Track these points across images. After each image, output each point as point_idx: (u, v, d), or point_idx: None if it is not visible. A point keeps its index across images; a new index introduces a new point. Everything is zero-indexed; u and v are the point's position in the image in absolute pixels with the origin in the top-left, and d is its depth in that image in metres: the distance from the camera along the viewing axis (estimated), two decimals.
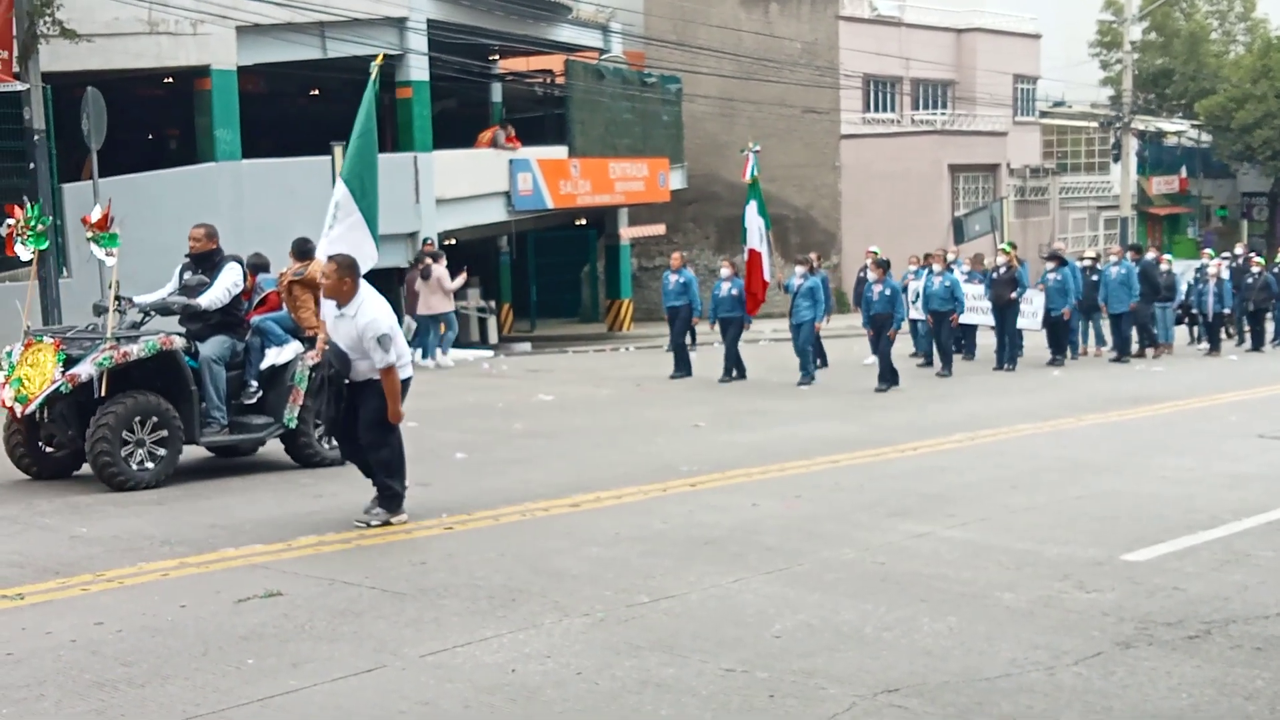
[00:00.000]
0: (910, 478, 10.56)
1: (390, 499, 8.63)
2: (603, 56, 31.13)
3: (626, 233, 32.42)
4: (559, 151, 28.55)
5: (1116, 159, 42.45)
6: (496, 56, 30.81)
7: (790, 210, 37.39)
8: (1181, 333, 24.91)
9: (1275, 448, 12.28)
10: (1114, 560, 7.73)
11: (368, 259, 9.84)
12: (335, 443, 9.77)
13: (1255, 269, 24.47)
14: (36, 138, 17.84)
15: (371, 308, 8.44)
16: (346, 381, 8.52)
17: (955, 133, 39.01)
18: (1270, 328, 25.08)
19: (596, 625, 6.39)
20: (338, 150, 21.23)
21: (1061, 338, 21.11)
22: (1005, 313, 20.07)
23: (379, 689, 5.50)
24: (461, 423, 13.86)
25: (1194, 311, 24.33)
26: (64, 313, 18.23)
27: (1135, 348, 22.20)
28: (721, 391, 17.24)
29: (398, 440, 8.68)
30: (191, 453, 10.93)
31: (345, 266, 8.54)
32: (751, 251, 18.61)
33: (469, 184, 26.17)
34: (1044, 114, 44.67)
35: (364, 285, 8.57)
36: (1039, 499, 9.64)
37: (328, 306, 8.67)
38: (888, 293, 17.43)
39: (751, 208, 18.96)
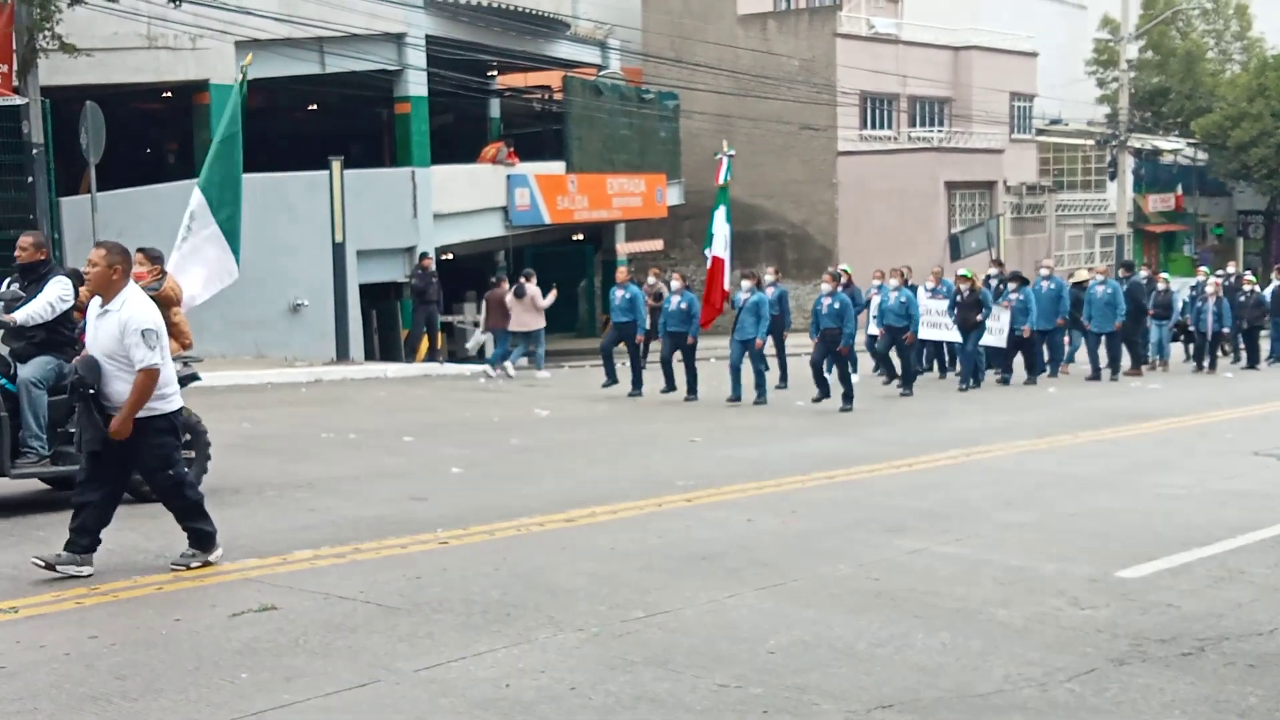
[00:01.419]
0: (905, 494, 10.56)
1: (202, 538, 7.82)
2: (601, 73, 31.26)
3: (623, 248, 32.47)
4: (557, 167, 28.64)
5: (1113, 177, 42.56)
6: (495, 72, 30.94)
7: (787, 226, 37.49)
8: (1178, 350, 24.94)
9: (1271, 465, 12.30)
10: (1108, 577, 7.73)
11: (225, 275, 9.45)
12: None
13: (1247, 287, 24.49)
14: (35, 151, 17.90)
15: (138, 303, 7.49)
16: (92, 392, 7.43)
17: (952, 150, 39.11)
18: (1266, 346, 25.13)
19: (591, 640, 6.39)
20: (336, 165, 21.32)
21: (1031, 356, 20.75)
22: (969, 336, 19.81)
23: (373, 704, 5.50)
24: (458, 437, 13.86)
25: (1190, 329, 24.25)
26: None
27: (1125, 366, 21.98)
28: (719, 408, 17.09)
29: (188, 481, 7.96)
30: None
31: (116, 253, 7.53)
32: (715, 259, 18.04)
33: (467, 199, 26.27)
34: (1040, 132, 44.79)
35: (133, 284, 7.66)
36: (1034, 515, 9.65)
37: (92, 305, 7.65)
38: (836, 306, 16.72)
39: (720, 214, 18.43)
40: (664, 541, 8.62)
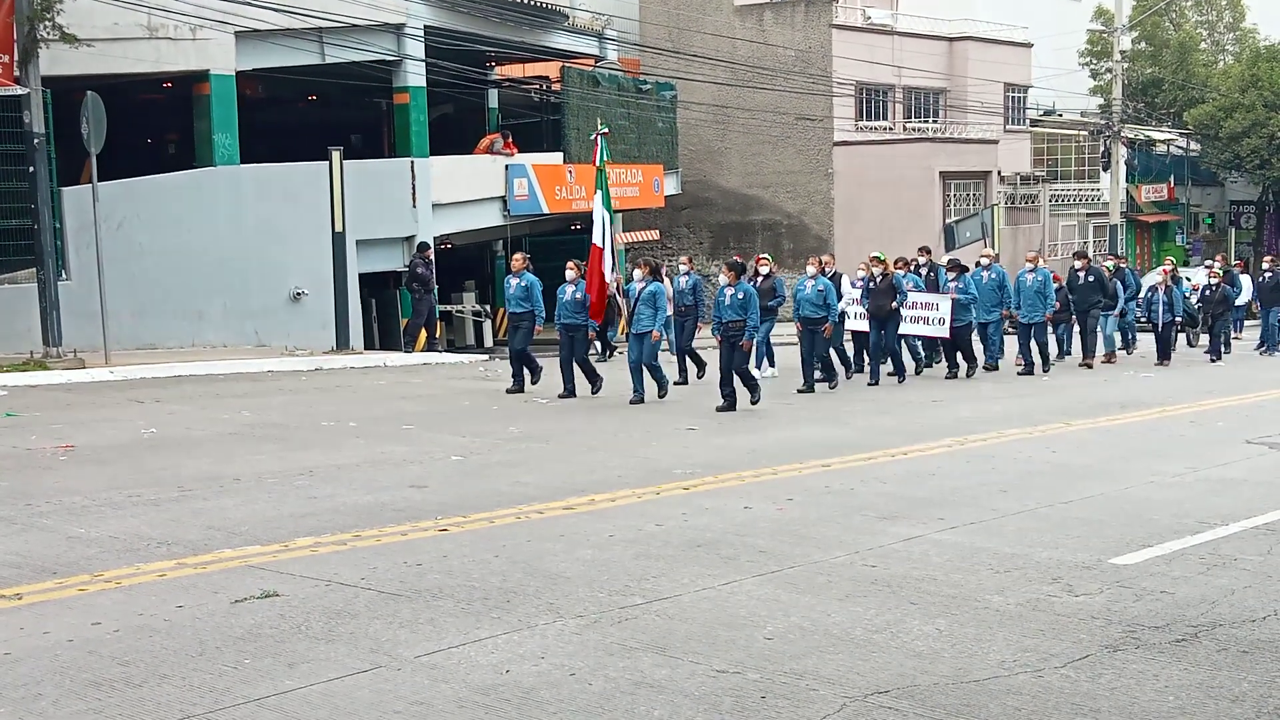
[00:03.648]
0: (901, 481, 10.63)
1: None
2: (598, 63, 31.27)
3: (621, 238, 32.49)
4: (555, 157, 28.66)
5: (1106, 167, 42.61)
6: (493, 63, 30.94)
7: (783, 216, 37.54)
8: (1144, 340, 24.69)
9: (1262, 453, 12.38)
10: (1102, 564, 7.81)
11: None
12: None
13: (1213, 280, 24.18)
14: (36, 141, 17.94)
15: None
16: None
17: (947, 140, 39.18)
18: (1247, 337, 25.12)
19: (590, 626, 6.46)
20: (336, 155, 21.37)
21: (964, 348, 19.81)
22: (886, 325, 18.59)
23: (374, 689, 5.56)
24: (457, 425, 13.91)
25: (1141, 320, 23.84)
26: (63, 316, 18.32)
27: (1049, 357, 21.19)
28: (711, 398, 16.77)
29: None
30: (194, 452, 10.96)
31: None
32: (594, 249, 16.99)
33: (466, 189, 26.30)
34: (1035, 122, 44.81)
35: None
36: (1028, 503, 9.72)
37: None
38: (740, 296, 15.24)
39: (597, 199, 17.48)
40: (662, 529, 8.69)
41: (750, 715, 5.30)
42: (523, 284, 16.94)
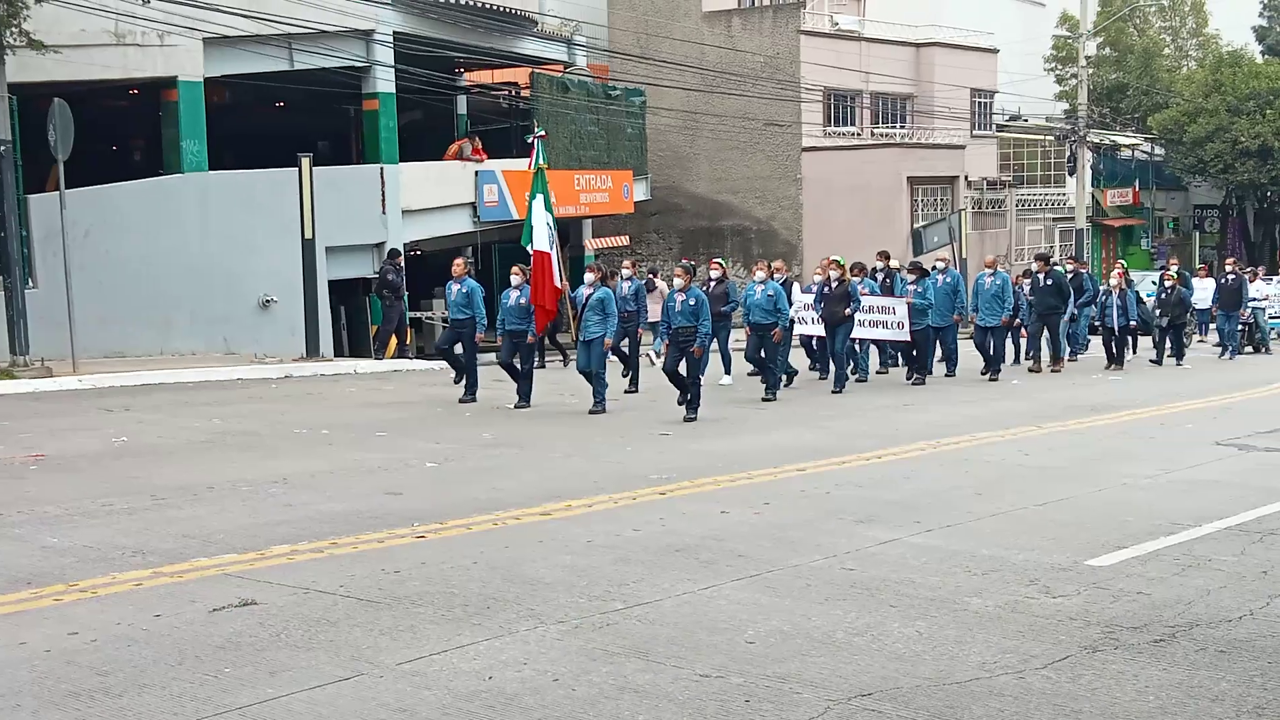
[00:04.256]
0: (876, 485, 10.67)
1: None
2: (567, 70, 31.26)
3: (590, 244, 32.52)
4: (524, 163, 28.59)
5: (1072, 172, 42.94)
6: (462, 69, 30.89)
7: (753, 222, 37.63)
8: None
9: (1232, 455, 12.50)
10: (1079, 565, 7.86)
11: None
12: None
13: (1169, 283, 24.25)
14: (2, 149, 17.81)
15: None
16: None
17: (914, 146, 39.41)
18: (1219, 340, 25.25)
19: (572, 632, 6.45)
20: (305, 162, 21.28)
21: (921, 353, 19.65)
22: (837, 331, 18.22)
23: (357, 697, 5.54)
24: (430, 432, 13.87)
25: (1095, 324, 23.76)
26: (30, 324, 18.16)
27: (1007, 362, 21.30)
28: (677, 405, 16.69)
29: None
30: (166, 460, 10.88)
31: None
32: (538, 254, 16.56)
33: (435, 195, 26.26)
34: (1001, 128, 45.10)
35: None
36: (1003, 505, 9.78)
37: None
38: (691, 303, 14.97)
39: (538, 203, 17.07)
40: (640, 534, 8.69)
41: (736, 719, 5.31)
42: (464, 290, 16.66)
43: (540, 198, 17.15)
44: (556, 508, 9.61)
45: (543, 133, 18.13)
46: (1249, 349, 27.13)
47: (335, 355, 23.25)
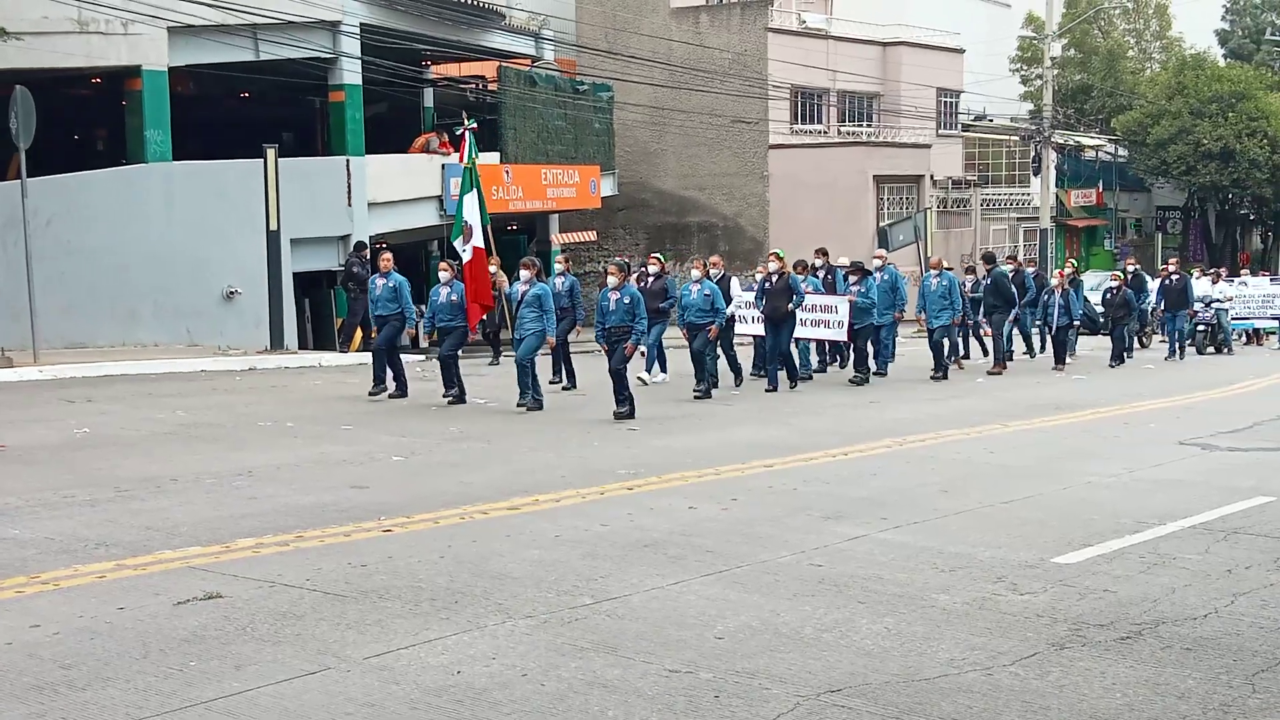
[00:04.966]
0: (842, 482, 10.69)
1: None
2: (535, 64, 31.19)
3: (558, 239, 32.46)
4: (491, 157, 28.49)
5: (1036, 172, 43.27)
6: (429, 62, 30.76)
7: (719, 218, 37.66)
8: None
9: (1195, 454, 12.60)
10: (1045, 563, 7.90)
11: None
12: None
13: (1114, 283, 24.21)
14: None
15: None
16: None
17: (880, 144, 39.60)
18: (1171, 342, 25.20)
19: (540, 627, 6.42)
20: (271, 153, 21.13)
21: (859, 352, 19.26)
22: (781, 327, 17.86)
23: (324, 691, 5.49)
24: (396, 425, 13.81)
25: (1039, 323, 23.68)
26: None
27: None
28: (647, 395, 16.40)
29: None
30: (129, 452, 10.77)
31: None
32: (476, 250, 16.31)
33: (401, 188, 26.15)
34: (966, 127, 45.39)
35: None
36: (969, 503, 9.81)
37: None
38: (626, 301, 14.74)
39: (470, 199, 16.73)
40: (608, 529, 8.67)
41: (704, 715, 5.30)
42: (390, 284, 16.35)
43: (474, 193, 16.82)
44: (524, 502, 9.58)
45: (474, 125, 17.74)
46: (1211, 349, 27.37)
47: (300, 348, 23.12)
